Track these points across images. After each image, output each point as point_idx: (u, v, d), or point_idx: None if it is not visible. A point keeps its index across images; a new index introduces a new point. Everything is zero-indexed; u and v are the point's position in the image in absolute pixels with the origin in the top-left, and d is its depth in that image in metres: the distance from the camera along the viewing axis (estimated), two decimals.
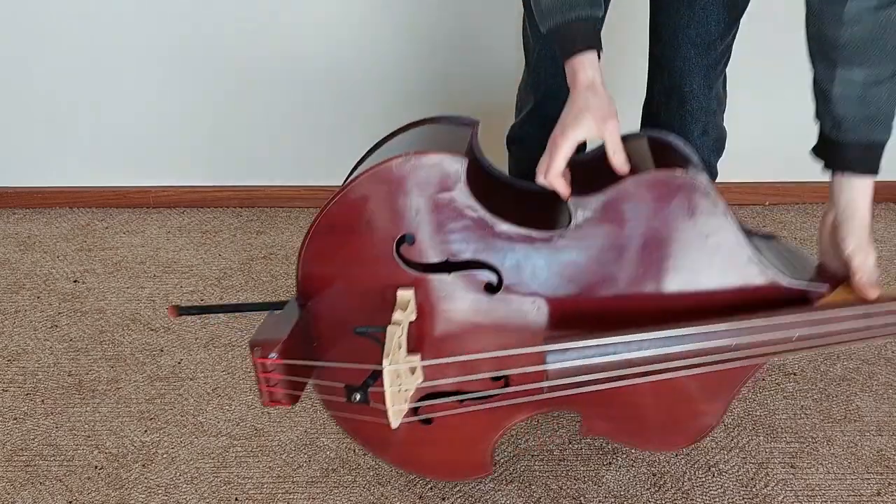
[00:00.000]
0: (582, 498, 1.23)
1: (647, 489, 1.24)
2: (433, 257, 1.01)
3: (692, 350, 0.98)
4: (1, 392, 1.43)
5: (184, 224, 1.90)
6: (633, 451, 1.30)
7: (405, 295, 1.01)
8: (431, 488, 1.24)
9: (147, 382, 1.45)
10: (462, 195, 0.97)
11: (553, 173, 0.96)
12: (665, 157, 1.01)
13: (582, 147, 1.03)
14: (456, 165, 0.96)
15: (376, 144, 1.11)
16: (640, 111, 1.36)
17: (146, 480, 1.27)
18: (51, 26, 1.74)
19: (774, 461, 1.29)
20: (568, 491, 1.24)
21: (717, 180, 1.37)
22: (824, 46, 0.98)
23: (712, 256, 0.98)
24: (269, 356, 0.95)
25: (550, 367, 1.01)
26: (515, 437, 1.33)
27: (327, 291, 1.04)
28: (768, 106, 1.73)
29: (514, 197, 1.08)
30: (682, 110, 1.25)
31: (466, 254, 1.00)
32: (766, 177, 1.90)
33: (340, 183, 1.15)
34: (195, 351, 1.51)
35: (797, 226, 1.85)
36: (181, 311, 1.07)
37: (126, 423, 1.37)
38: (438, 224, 0.98)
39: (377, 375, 0.97)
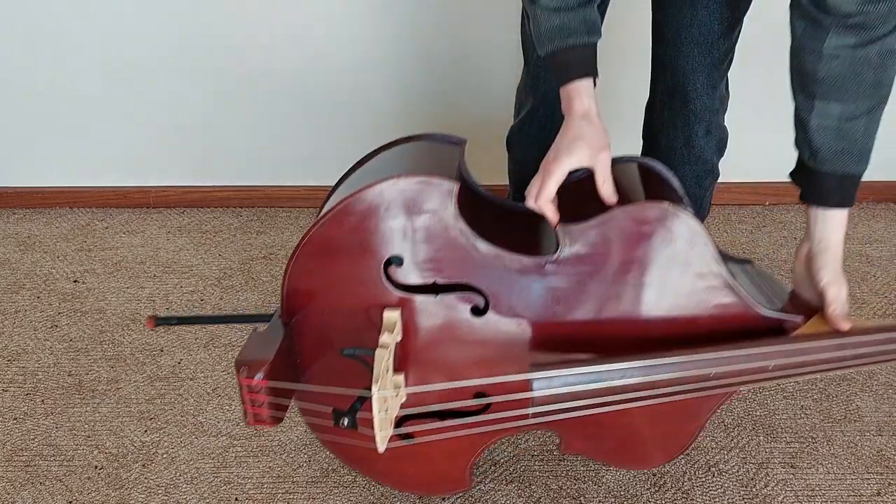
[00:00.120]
0: (582, 498, 1.23)
1: (647, 489, 1.24)
2: (421, 279, 1.01)
3: (672, 378, 1.00)
4: (1, 392, 1.43)
5: (184, 224, 1.90)
6: None
7: (392, 316, 1.01)
8: None
9: (147, 382, 1.45)
10: (452, 218, 0.97)
11: (544, 199, 0.97)
12: (651, 183, 1.04)
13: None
14: (447, 189, 0.96)
15: (359, 162, 1.11)
16: (641, 111, 1.36)
17: (146, 480, 1.27)
18: (51, 26, 1.74)
19: (774, 461, 1.29)
20: (568, 491, 1.24)
21: (718, 180, 1.37)
22: (804, 79, 1.00)
23: (693, 285, 1.01)
24: (256, 377, 0.95)
25: (537, 394, 1.01)
26: (515, 437, 1.33)
27: (312, 310, 1.03)
28: (768, 106, 1.73)
29: (502, 217, 1.09)
30: (685, 110, 1.25)
31: (454, 276, 1.01)
32: (766, 177, 1.90)
33: None
34: (195, 351, 1.51)
35: (797, 226, 1.85)
36: (158, 321, 1.07)
37: (126, 423, 1.37)
38: (427, 247, 0.99)
39: (364, 399, 0.97)
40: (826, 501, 1.22)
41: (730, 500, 1.23)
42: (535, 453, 1.30)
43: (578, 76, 1.00)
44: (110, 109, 1.84)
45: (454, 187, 0.95)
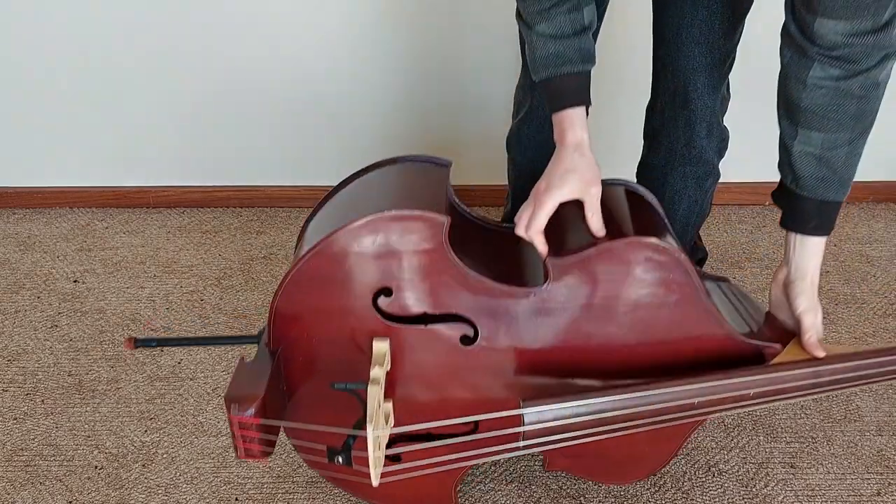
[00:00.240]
0: (582, 498, 1.23)
1: (647, 489, 1.24)
2: (411, 310, 1.01)
3: (659, 409, 1.03)
4: (1, 392, 1.43)
5: (184, 224, 1.90)
6: None
7: (381, 347, 1.02)
8: None
9: (147, 382, 1.45)
10: (442, 252, 0.98)
11: (534, 229, 0.99)
12: (638, 211, 1.08)
13: None
14: (438, 223, 0.96)
15: (342, 183, 1.11)
16: (642, 112, 1.36)
17: (146, 480, 1.27)
18: (51, 26, 1.74)
19: (774, 461, 1.29)
20: (568, 491, 1.24)
21: (718, 181, 1.37)
22: (789, 106, 1.02)
23: (678, 315, 1.04)
24: (247, 413, 0.94)
25: (528, 428, 1.02)
26: None
27: (300, 338, 1.03)
28: (769, 106, 1.73)
29: (490, 243, 1.10)
30: (686, 110, 1.25)
31: (444, 307, 1.02)
32: (766, 177, 1.89)
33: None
34: (195, 351, 1.51)
35: None
36: (138, 343, 1.07)
37: (126, 423, 1.37)
38: (417, 279, 0.99)
39: (357, 435, 0.97)
40: (826, 501, 1.23)
41: (730, 500, 1.23)
42: (535, 453, 1.30)
43: (571, 104, 1.02)
44: (111, 109, 1.84)
45: (445, 222, 0.96)
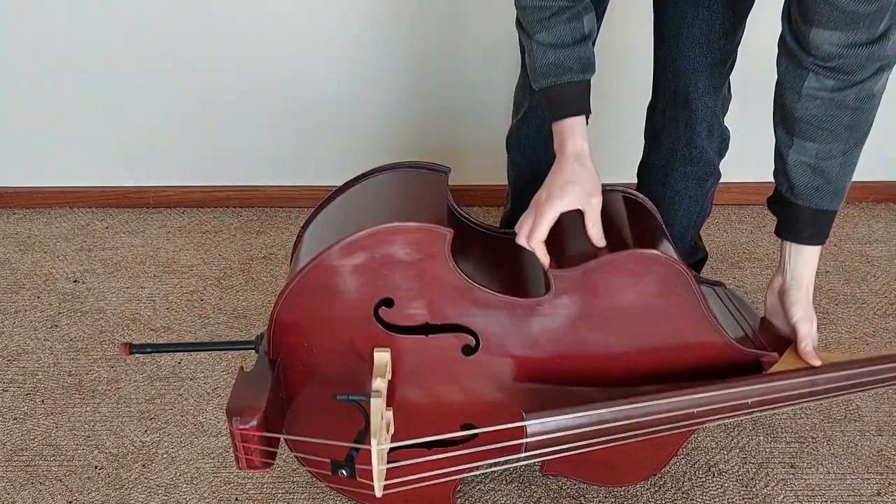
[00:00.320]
0: (582, 498, 1.23)
1: (647, 489, 1.24)
2: (412, 320, 1.02)
3: (660, 418, 1.04)
4: (1, 392, 1.43)
5: (184, 224, 1.90)
6: None
7: (383, 358, 1.01)
8: None
9: (147, 382, 1.45)
10: (444, 263, 0.98)
11: (536, 239, 0.99)
12: (637, 219, 1.09)
13: None
14: (441, 236, 0.96)
15: (339, 189, 1.11)
16: (643, 112, 1.36)
17: (146, 480, 1.27)
18: (51, 26, 1.74)
19: (774, 461, 1.29)
20: (568, 491, 1.24)
21: (719, 181, 1.37)
22: (784, 115, 1.03)
23: (678, 325, 1.04)
24: (249, 425, 0.94)
25: (531, 440, 1.02)
26: None
27: (300, 348, 1.03)
28: (769, 106, 1.73)
29: (491, 252, 1.10)
30: (687, 110, 1.25)
31: (446, 318, 1.02)
32: (767, 177, 1.89)
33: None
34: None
35: None
36: (133, 349, 1.07)
37: (126, 423, 1.37)
38: (419, 290, 0.99)
39: (360, 447, 0.97)
40: (826, 501, 1.23)
41: (730, 500, 1.23)
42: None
43: (571, 113, 1.03)
44: (111, 109, 1.84)
45: (448, 235, 0.96)
